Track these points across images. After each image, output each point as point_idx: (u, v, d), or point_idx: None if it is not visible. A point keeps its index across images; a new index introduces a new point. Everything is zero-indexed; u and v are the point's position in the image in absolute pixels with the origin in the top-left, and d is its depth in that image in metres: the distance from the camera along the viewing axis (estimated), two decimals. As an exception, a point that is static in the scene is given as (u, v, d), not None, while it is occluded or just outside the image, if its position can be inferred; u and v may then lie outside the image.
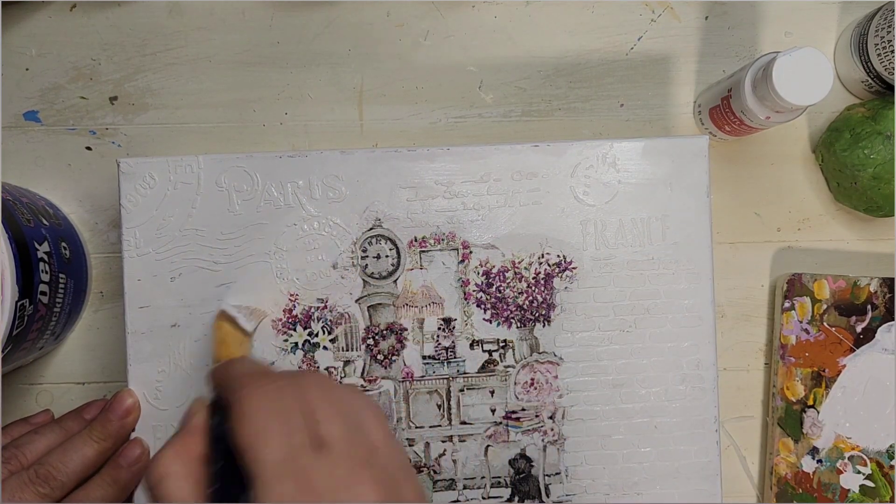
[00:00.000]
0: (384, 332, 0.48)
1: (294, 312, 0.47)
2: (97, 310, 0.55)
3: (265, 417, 0.30)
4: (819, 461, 0.53)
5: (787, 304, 0.54)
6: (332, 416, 0.31)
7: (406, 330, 0.48)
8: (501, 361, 0.48)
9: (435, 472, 0.48)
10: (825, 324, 0.53)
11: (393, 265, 0.48)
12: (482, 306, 0.48)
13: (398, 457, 0.32)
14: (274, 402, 0.31)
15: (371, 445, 0.31)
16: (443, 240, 0.48)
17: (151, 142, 0.55)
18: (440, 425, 0.48)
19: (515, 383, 0.48)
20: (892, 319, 0.53)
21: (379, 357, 0.48)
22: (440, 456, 0.48)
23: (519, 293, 0.48)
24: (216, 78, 0.55)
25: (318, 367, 0.48)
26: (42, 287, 0.45)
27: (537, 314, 0.48)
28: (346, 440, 0.30)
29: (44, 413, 0.49)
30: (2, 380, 0.52)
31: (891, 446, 0.53)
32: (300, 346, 0.47)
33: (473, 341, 0.48)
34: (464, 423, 0.48)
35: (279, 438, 0.29)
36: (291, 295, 0.47)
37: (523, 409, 0.48)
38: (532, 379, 0.48)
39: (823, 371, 0.53)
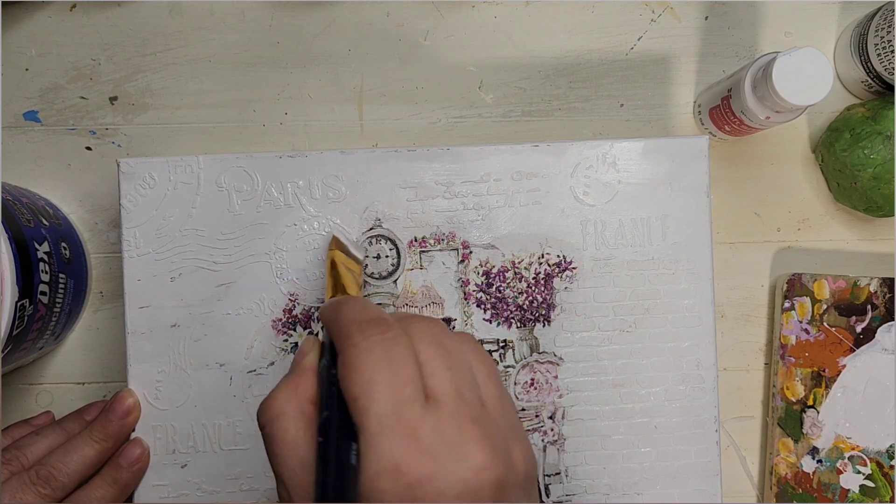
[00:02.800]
0: (384, 332, 0.48)
1: (294, 312, 0.47)
2: (97, 310, 0.55)
3: (373, 368, 0.29)
4: (819, 461, 0.53)
5: (787, 304, 0.54)
6: (442, 369, 0.30)
7: (406, 330, 0.48)
8: (501, 361, 0.48)
9: (435, 472, 0.48)
10: (825, 324, 0.53)
11: (393, 265, 0.48)
12: (482, 306, 0.48)
13: (509, 415, 0.31)
14: (383, 353, 0.29)
15: (482, 401, 0.30)
16: (443, 240, 0.48)
17: (151, 142, 0.55)
18: (440, 425, 0.48)
19: (515, 383, 0.48)
20: (892, 319, 0.53)
21: (379, 357, 0.48)
22: (440, 456, 0.48)
23: (519, 293, 0.48)
24: (216, 78, 0.55)
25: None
26: (42, 287, 0.45)
27: (537, 314, 0.48)
28: (455, 395, 0.29)
29: (44, 414, 0.49)
30: (2, 380, 0.52)
31: (891, 446, 0.53)
32: (300, 346, 0.47)
33: (473, 341, 0.48)
34: (464, 423, 0.48)
35: (387, 390, 0.29)
36: (291, 295, 0.47)
37: (523, 409, 0.48)
38: (532, 379, 0.48)
39: (823, 371, 0.53)
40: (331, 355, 0.32)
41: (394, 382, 0.29)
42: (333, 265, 0.42)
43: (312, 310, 0.47)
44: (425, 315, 0.32)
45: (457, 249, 0.48)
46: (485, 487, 0.28)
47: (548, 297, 0.48)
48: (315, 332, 0.48)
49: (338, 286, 0.40)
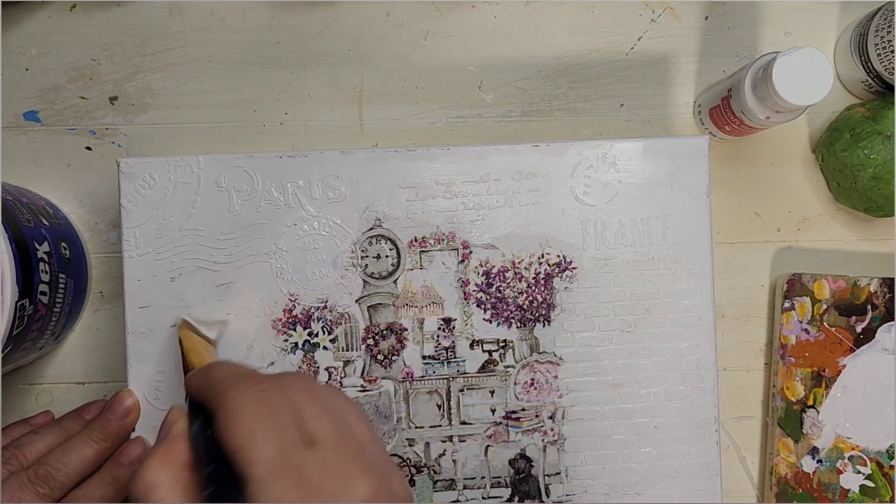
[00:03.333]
0: (384, 332, 0.48)
1: (294, 312, 0.47)
2: (97, 310, 0.55)
3: (254, 418, 0.30)
4: (819, 461, 0.53)
5: (787, 304, 0.54)
6: (319, 413, 0.31)
7: (406, 330, 0.48)
8: (501, 361, 0.48)
9: (435, 472, 0.48)
10: (825, 324, 0.53)
11: (393, 265, 0.48)
12: (482, 306, 0.48)
13: (382, 452, 0.33)
14: (261, 403, 0.31)
15: (359, 440, 0.32)
16: (443, 240, 0.48)
17: (151, 142, 0.55)
18: (440, 425, 0.48)
19: (515, 383, 0.48)
20: (892, 319, 0.53)
21: (379, 357, 0.48)
22: (440, 456, 0.48)
23: (519, 293, 0.48)
24: (216, 78, 0.55)
25: (318, 367, 0.48)
26: (42, 287, 0.45)
27: (537, 314, 0.48)
28: (335, 436, 0.31)
29: (44, 414, 0.49)
30: (2, 380, 0.52)
31: (891, 446, 0.53)
32: (300, 346, 0.47)
33: (473, 341, 0.48)
34: (464, 423, 0.48)
35: (270, 437, 0.29)
36: (291, 295, 0.47)
37: (523, 409, 0.48)
38: (532, 379, 0.48)
39: (823, 371, 0.53)
40: (203, 418, 0.32)
41: (275, 429, 0.30)
42: (189, 342, 0.43)
43: (312, 310, 0.47)
44: (303, 372, 0.34)
45: (457, 249, 0.48)
46: None
47: (548, 297, 0.48)
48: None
49: (196, 359, 0.41)
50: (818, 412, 0.53)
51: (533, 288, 0.48)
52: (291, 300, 0.47)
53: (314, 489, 0.29)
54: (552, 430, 0.48)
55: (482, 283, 0.48)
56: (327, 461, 0.30)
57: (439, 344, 0.48)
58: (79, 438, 0.44)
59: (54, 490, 0.42)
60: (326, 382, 0.39)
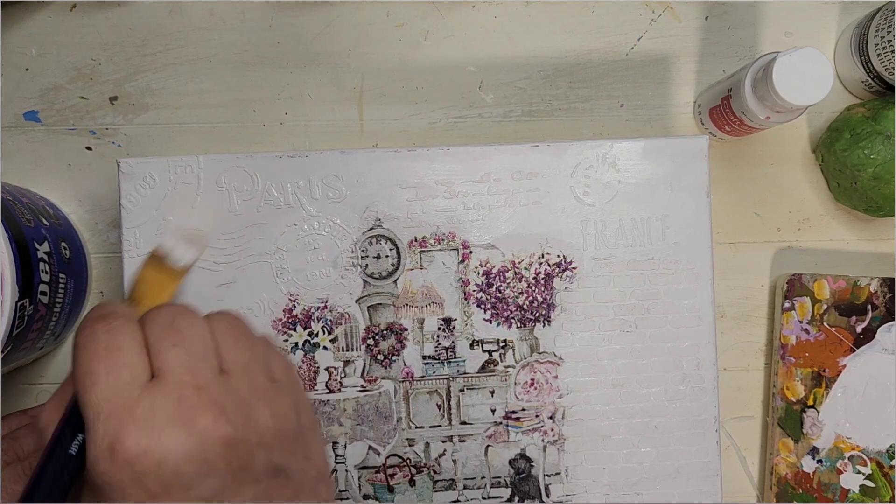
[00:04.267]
0: (384, 332, 0.48)
1: (294, 312, 0.47)
2: (97, 310, 0.54)
3: (91, 360, 0.29)
4: (819, 461, 0.53)
5: (787, 305, 0.54)
6: (167, 347, 0.30)
7: (406, 330, 0.48)
8: (501, 361, 0.48)
9: (435, 472, 0.48)
10: (825, 324, 0.53)
11: (393, 265, 0.48)
12: (482, 306, 0.48)
13: (254, 379, 0.31)
14: (102, 344, 0.30)
15: (219, 370, 0.30)
16: (443, 240, 0.48)
17: (151, 142, 0.55)
18: (440, 425, 0.48)
19: (515, 383, 0.48)
20: (893, 319, 0.53)
21: (379, 357, 0.48)
22: (440, 456, 0.48)
23: (519, 293, 0.48)
24: (216, 78, 0.55)
25: (318, 367, 0.48)
26: (42, 287, 0.45)
27: (537, 314, 0.48)
28: (179, 369, 0.29)
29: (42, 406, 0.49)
30: (2, 380, 0.52)
31: (891, 446, 0.53)
32: (300, 346, 0.47)
33: (473, 341, 0.48)
34: (464, 423, 0.48)
35: (104, 378, 0.29)
36: (291, 295, 0.47)
37: (523, 409, 0.48)
38: (532, 379, 0.48)
39: (823, 371, 0.53)
40: None
41: (110, 369, 0.29)
42: (141, 273, 0.40)
43: (312, 310, 0.47)
44: (174, 304, 0.33)
45: (457, 249, 0.48)
46: (212, 449, 0.28)
47: (548, 297, 0.48)
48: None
49: (137, 293, 0.39)
50: (818, 412, 0.53)
51: (533, 288, 0.48)
52: (291, 300, 0.47)
53: (139, 426, 0.28)
54: (552, 430, 0.48)
55: (482, 283, 0.48)
56: (162, 397, 0.28)
57: (439, 344, 0.48)
58: None
59: None
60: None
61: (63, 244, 0.50)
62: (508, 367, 0.48)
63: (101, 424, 0.28)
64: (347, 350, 0.48)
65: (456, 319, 0.48)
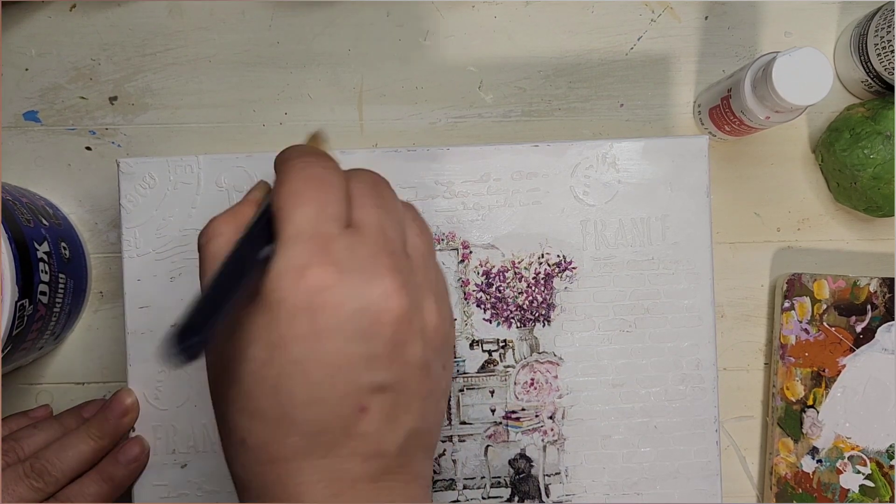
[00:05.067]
0: (384, 332, 0.48)
1: (294, 312, 0.47)
2: (97, 310, 0.55)
3: (302, 184, 0.30)
4: (819, 461, 0.53)
5: (786, 304, 0.54)
6: (370, 205, 0.30)
7: (406, 330, 0.48)
8: (501, 361, 0.48)
9: (435, 472, 0.48)
10: (825, 324, 0.53)
11: (393, 265, 0.48)
12: (482, 306, 0.48)
13: (430, 273, 0.32)
14: (315, 176, 0.30)
15: (405, 249, 0.31)
16: (443, 240, 0.48)
17: (151, 142, 0.55)
18: (440, 425, 0.48)
19: (515, 383, 0.48)
20: (892, 319, 0.53)
21: (379, 357, 0.48)
22: (440, 456, 0.48)
23: (519, 293, 0.48)
24: (216, 78, 0.55)
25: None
26: (42, 287, 0.45)
27: (537, 314, 0.48)
28: (378, 229, 0.30)
29: (43, 407, 0.49)
30: (2, 380, 0.52)
31: (891, 446, 0.53)
32: (300, 346, 0.47)
33: (473, 341, 0.48)
34: (464, 423, 0.48)
35: (310, 204, 0.29)
36: (291, 295, 0.47)
37: (523, 409, 0.48)
38: (532, 379, 0.48)
39: (823, 371, 0.53)
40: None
41: (319, 200, 0.29)
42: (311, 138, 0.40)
43: (312, 310, 0.47)
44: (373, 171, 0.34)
45: (457, 249, 0.48)
46: (385, 315, 0.29)
47: (548, 297, 0.48)
48: None
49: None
50: (818, 412, 0.53)
51: (533, 288, 0.48)
52: (291, 300, 0.47)
53: (333, 263, 0.28)
54: (552, 430, 0.48)
55: (482, 282, 0.48)
56: (359, 246, 0.29)
57: (439, 344, 0.48)
58: (76, 435, 0.44)
59: (48, 485, 0.42)
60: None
61: (63, 244, 0.50)
62: (508, 367, 0.48)
63: (299, 245, 0.28)
64: (347, 350, 0.48)
65: (455, 319, 0.48)
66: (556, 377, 0.48)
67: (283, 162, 0.32)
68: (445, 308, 0.32)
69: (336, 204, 0.30)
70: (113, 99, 0.55)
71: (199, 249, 0.32)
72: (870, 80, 0.54)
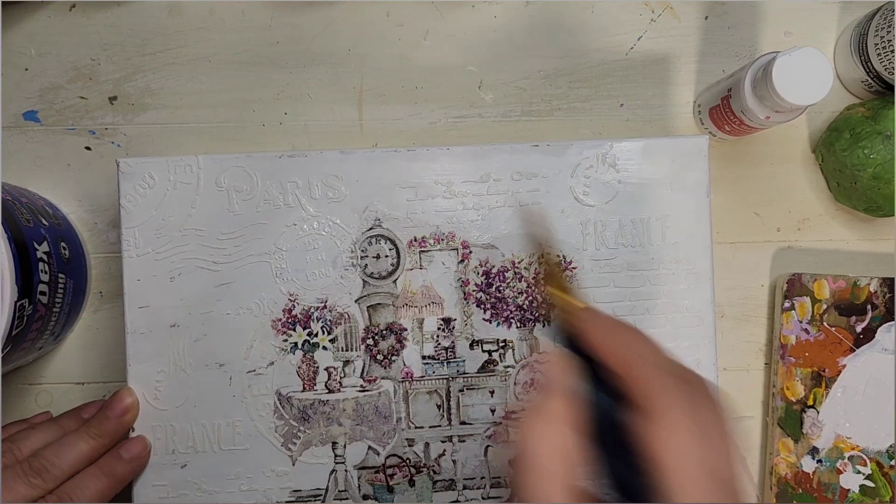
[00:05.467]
0: (384, 332, 0.48)
1: (293, 312, 0.47)
2: (97, 310, 0.54)
3: (689, 440, 0.27)
4: (819, 461, 0.53)
5: (787, 304, 0.54)
6: (742, 469, 0.29)
7: (406, 330, 0.48)
8: (501, 361, 0.48)
9: (435, 472, 0.48)
10: (825, 324, 0.53)
11: (392, 265, 0.48)
12: (482, 306, 0.48)
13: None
14: (695, 423, 0.28)
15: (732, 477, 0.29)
16: (443, 240, 0.48)
17: (151, 142, 0.55)
18: (440, 425, 0.48)
19: (515, 383, 0.48)
20: (893, 319, 0.53)
21: (378, 357, 0.48)
22: (440, 456, 0.48)
23: (519, 293, 0.48)
24: (216, 78, 0.55)
25: (318, 367, 0.48)
26: (41, 287, 0.45)
27: (537, 314, 0.48)
28: (752, 497, 0.29)
29: (43, 414, 0.49)
30: (1, 380, 0.52)
31: (891, 446, 0.53)
32: (300, 346, 0.47)
33: (473, 341, 0.48)
34: (463, 423, 0.48)
35: (704, 471, 0.27)
36: (291, 295, 0.47)
37: (523, 410, 0.48)
38: (532, 379, 0.48)
39: (823, 371, 0.53)
40: (597, 385, 0.29)
41: (708, 464, 0.27)
42: (553, 268, 0.37)
43: (312, 310, 0.47)
44: (705, 380, 0.31)
45: (457, 249, 0.48)
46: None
47: (548, 297, 0.48)
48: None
49: (568, 302, 0.34)
50: (818, 412, 0.53)
51: (533, 288, 0.48)
52: (291, 300, 0.47)
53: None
54: (552, 430, 0.48)
55: (482, 283, 0.48)
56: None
57: (439, 344, 0.48)
58: (75, 434, 0.44)
59: (48, 482, 0.42)
60: None
61: (62, 244, 0.50)
62: (508, 367, 0.48)
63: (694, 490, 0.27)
64: (347, 350, 0.48)
65: (455, 319, 0.48)
66: (555, 377, 0.48)
67: (647, 387, 0.28)
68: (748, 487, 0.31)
69: (724, 467, 0.28)
70: (113, 99, 0.55)
71: (516, 458, 0.28)
72: (870, 80, 0.54)
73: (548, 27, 0.56)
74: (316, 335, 0.47)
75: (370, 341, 0.48)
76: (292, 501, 0.47)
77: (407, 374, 0.48)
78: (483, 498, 0.48)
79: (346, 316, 0.48)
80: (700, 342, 0.48)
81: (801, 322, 0.53)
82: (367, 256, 0.48)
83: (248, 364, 0.47)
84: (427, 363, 0.48)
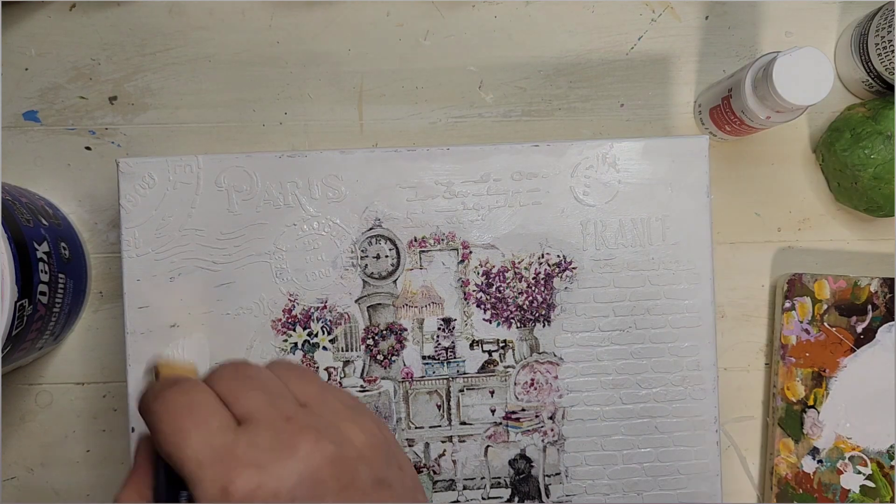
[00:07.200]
0: (384, 332, 0.48)
1: (293, 313, 0.47)
2: (96, 310, 0.54)
3: (175, 420, 0.30)
4: (819, 461, 0.53)
5: (787, 304, 0.54)
6: (244, 392, 0.31)
7: (406, 330, 0.48)
8: (501, 362, 0.48)
9: (435, 472, 0.48)
10: (826, 324, 0.53)
11: (393, 265, 0.48)
12: (482, 306, 0.48)
13: (332, 403, 0.32)
14: (181, 404, 0.30)
15: (298, 402, 0.31)
16: (443, 240, 0.48)
17: (151, 142, 0.55)
18: (440, 426, 0.48)
19: (515, 383, 0.48)
20: (893, 319, 0.53)
21: (378, 357, 0.48)
22: (440, 456, 0.48)
23: (519, 293, 0.48)
24: (216, 78, 0.55)
25: (318, 368, 0.48)
26: (41, 287, 0.45)
27: (537, 314, 0.48)
28: (264, 407, 0.30)
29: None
30: (1, 380, 0.52)
31: (891, 446, 0.53)
32: (300, 346, 0.47)
33: (473, 341, 0.48)
34: (464, 423, 0.48)
35: (194, 431, 0.29)
36: (291, 295, 0.47)
37: (523, 410, 0.48)
38: (532, 379, 0.48)
39: (824, 371, 0.53)
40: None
41: (198, 422, 0.29)
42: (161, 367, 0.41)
43: (312, 310, 0.47)
44: (230, 360, 0.34)
45: (457, 249, 0.48)
46: (320, 468, 0.29)
47: (548, 297, 0.48)
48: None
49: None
50: (818, 412, 0.53)
51: (533, 288, 0.48)
52: (291, 300, 0.47)
53: (246, 465, 0.28)
54: (552, 430, 0.48)
55: (482, 283, 0.48)
56: (258, 434, 0.29)
57: (439, 344, 0.48)
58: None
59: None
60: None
61: (62, 244, 0.50)
62: (508, 367, 0.48)
63: (207, 472, 0.28)
64: (347, 350, 0.48)
65: (456, 319, 0.48)
66: (556, 377, 0.48)
67: (146, 411, 0.31)
68: (366, 419, 0.33)
69: (215, 415, 0.30)
70: (113, 99, 0.55)
71: None
72: (870, 80, 0.54)
73: (548, 27, 0.56)
74: (316, 335, 0.47)
75: (370, 341, 0.48)
76: (292, 502, 0.47)
77: (407, 374, 0.48)
78: (483, 498, 0.48)
79: (346, 316, 0.48)
80: (700, 342, 0.48)
81: (801, 322, 0.53)
82: (367, 256, 0.48)
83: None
84: (427, 363, 0.48)
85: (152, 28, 0.55)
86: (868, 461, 0.53)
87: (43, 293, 0.46)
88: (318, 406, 0.31)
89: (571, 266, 0.48)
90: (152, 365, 0.40)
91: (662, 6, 0.57)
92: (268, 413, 0.30)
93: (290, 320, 0.47)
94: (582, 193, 0.48)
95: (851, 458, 0.53)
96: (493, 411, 0.48)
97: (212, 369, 0.32)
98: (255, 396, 0.30)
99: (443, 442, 0.48)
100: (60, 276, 0.48)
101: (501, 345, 0.48)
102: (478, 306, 0.48)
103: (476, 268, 0.48)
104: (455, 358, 0.48)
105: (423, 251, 0.48)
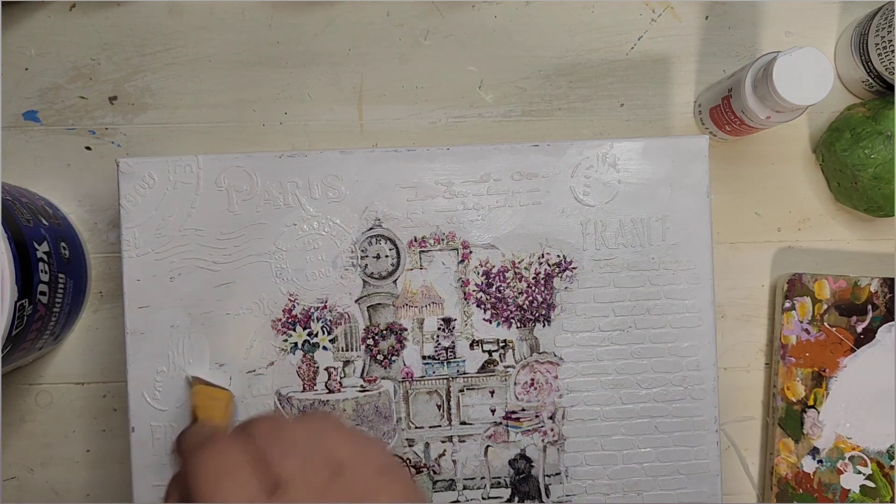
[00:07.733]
0: (384, 332, 0.48)
1: (294, 312, 0.47)
2: (96, 310, 0.54)
3: (212, 481, 0.30)
4: (819, 461, 0.53)
5: (787, 304, 0.54)
6: (283, 453, 0.31)
7: (406, 330, 0.48)
8: (501, 361, 0.48)
9: (435, 472, 0.48)
10: (826, 324, 0.53)
11: (393, 265, 0.48)
12: (482, 306, 0.48)
13: (371, 464, 0.32)
14: (218, 462, 0.30)
15: (335, 464, 0.31)
16: (443, 240, 0.48)
17: (151, 142, 0.55)
18: (440, 425, 0.48)
19: (515, 383, 0.48)
20: (893, 319, 0.53)
21: (379, 357, 0.48)
22: (440, 456, 0.48)
23: (519, 293, 0.48)
24: (216, 78, 0.55)
25: (318, 367, 0.48)
26: (41, 287, 0.45)
27: (537, 314, 0.48)
28: (301, 471, 0.30)
29: None
30: (1, 380, 0.52)
31: (891, 446, 0.53)
32: (300, 346, 0.47)
33: (473, 341, 0.48)
34: (464, 423, 0.48)
35: (231, 496, 0.29)
36: (291, 295, 0.47)
37: (523, 410, 0.48)
38: (532, 379, 0.48)
39: (824, 371, 0.53)
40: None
41: (235, 486, 0.30)
42: (193, 397, 0.44)
43: (312, 310, 0.47)
44: (263, 414, 0.34)
45: (457, 249, 0.48)
46: None
47: (548, 297, 0.48)
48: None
49: (203, 415, 0.43)
50: (818, 412, 0.53)
51: (533, 288, 0.48)
52: (291, 300, 0.47)
53: None
54: (552, 430, 0.48)
55: (482, 283, 0.48)
56: (295, 500, 0.30)
57: (439, 344, 0.48)
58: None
59: None
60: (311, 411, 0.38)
61: (62, 244, 0.50)
62: (508, 367, 0.48)
63: None
64: (347, 350, 0.48)
65: (456, 319, 0.48)
66: (556, 377, 0.48)
67: (185, 460, 0.31)
68: (398, 486, 0.33)
69: (251, 481, 0.30)
70: (113, 99, 0.55)
71: None
72: (870, 80, 0.54)
73: (548, 27, 0.56)
74: (316, 335, 0.47)
75: (370, 341, 0.48)
76: (292, 501, 0.47)
77: (407, 374, 0.48)
78: (483, 498, 0.48)
79: (346, 316, 0.48)
80: (700, 342, 0.48)
81: (801, 322, 0.53)
82: (367, 256, 0.48)
83: (248, 364, 0.47)
84: (427, 363, 0.48)
85: (152, 28, 0.55)
86: (868, 461, 0.53)
87: (43, 293, 0.46)
88: (352, 470, 0.32)
89: (571, 266, 0.48)
90: (189, 382, 0.41)
91: (662, 6, 0.57)
92: (303, 480, 0.30)
93: (290, 320, 0.47)
94: (582, 193, 0.48)
95: (851, 458, 0.53)
96: (493, 411, 0.48)
97: (247, 422, 0.33)
98: (291, 461, 0.31)
99: (443, 442, 0.48)
100: (60, 276, 0.48)
101: (501, 345, 0.48)
102: (478, 306, 0.48)
103: (476, 268, 0.48)
104: (455, 358, 0.48)
105: (423, 251, 0.48)
